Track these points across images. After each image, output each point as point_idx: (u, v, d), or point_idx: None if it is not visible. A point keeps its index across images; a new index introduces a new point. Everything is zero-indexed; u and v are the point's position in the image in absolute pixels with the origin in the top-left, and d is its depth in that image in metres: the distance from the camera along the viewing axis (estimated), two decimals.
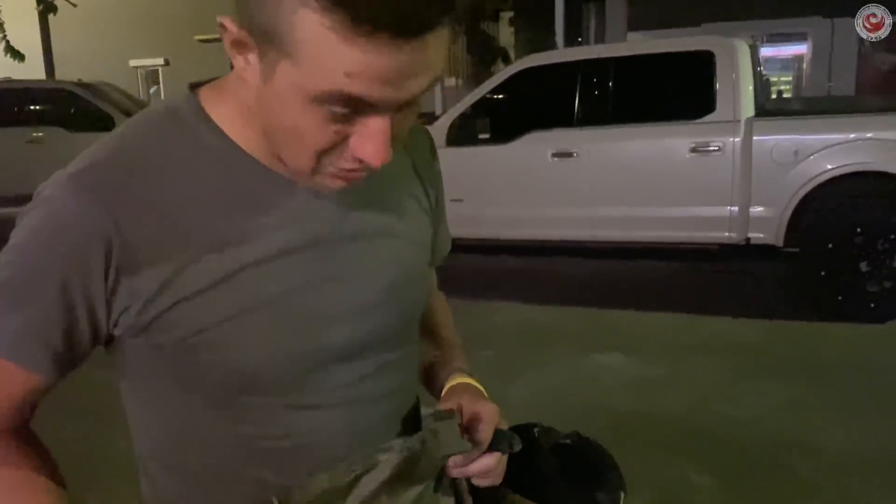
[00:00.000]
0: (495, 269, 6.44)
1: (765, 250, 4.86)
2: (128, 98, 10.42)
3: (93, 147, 0.72)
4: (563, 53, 6.09)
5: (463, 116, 5.49)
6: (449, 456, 0.78)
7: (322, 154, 0.65)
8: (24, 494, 0.73)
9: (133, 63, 13.79)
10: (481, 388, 0.88)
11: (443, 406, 0.82)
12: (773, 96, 13.29)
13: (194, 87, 0.75)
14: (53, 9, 12.18)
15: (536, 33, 8.68)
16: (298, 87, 0.61)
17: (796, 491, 2.69)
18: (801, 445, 2.98)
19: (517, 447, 0.81)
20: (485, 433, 0.79)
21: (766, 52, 13.24)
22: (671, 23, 10.74)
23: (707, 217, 4.90)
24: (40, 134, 8.72)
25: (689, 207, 4.95)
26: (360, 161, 0.65)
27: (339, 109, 0.61)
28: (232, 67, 0.69)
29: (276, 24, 0.58)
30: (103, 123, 9.00)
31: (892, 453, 2.88)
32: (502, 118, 5.47)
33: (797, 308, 4.69)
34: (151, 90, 14.64)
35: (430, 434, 0.77)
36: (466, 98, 5.66)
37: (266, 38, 0.60)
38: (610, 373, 3.90)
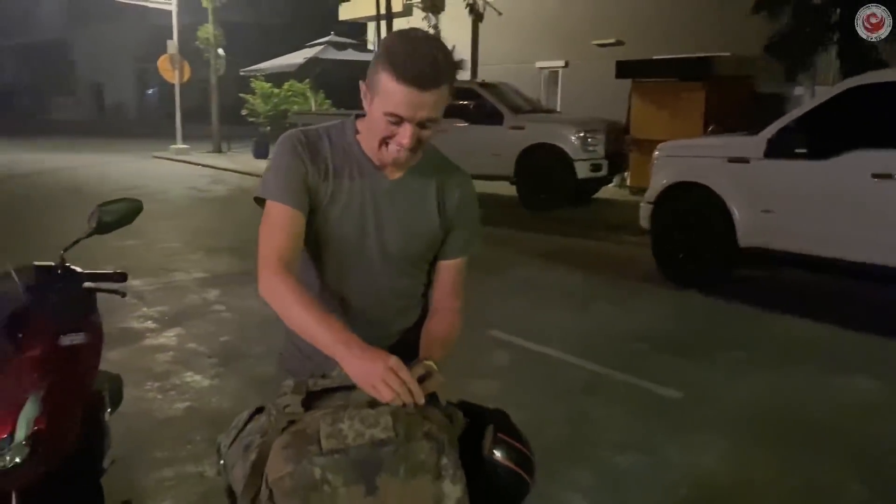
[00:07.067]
0: (794, 282, 6.41)
1: None
2: (520, 97, 11.57)
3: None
4: None
5: (784, 130, 5.56)
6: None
7: (384, 140, 1.39)
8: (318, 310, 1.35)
9: (538, 64, 15.59)
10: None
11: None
12: None
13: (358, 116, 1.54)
14: (481, 17, 14.56)
15: None
16: (379, 108, 1.36)
17: None
18: None
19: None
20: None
21: None
22: None
23: None
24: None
25: None
26: (399, 145, 1.37)
27: (392, 119, 1.35)
28: None
29: (374, 81, 1.37)
30: (494, 118, 10.34)
31: None
32: (824, 134, 5.39)
33: None
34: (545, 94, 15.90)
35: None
36: (791, 113, 5.73)
37: (371, 87, 1.38)
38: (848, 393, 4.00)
